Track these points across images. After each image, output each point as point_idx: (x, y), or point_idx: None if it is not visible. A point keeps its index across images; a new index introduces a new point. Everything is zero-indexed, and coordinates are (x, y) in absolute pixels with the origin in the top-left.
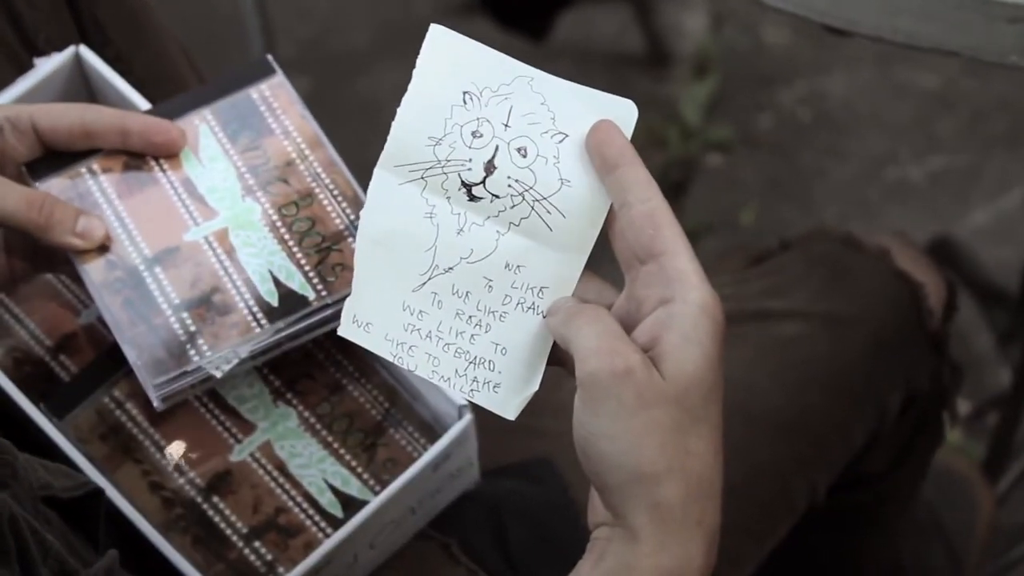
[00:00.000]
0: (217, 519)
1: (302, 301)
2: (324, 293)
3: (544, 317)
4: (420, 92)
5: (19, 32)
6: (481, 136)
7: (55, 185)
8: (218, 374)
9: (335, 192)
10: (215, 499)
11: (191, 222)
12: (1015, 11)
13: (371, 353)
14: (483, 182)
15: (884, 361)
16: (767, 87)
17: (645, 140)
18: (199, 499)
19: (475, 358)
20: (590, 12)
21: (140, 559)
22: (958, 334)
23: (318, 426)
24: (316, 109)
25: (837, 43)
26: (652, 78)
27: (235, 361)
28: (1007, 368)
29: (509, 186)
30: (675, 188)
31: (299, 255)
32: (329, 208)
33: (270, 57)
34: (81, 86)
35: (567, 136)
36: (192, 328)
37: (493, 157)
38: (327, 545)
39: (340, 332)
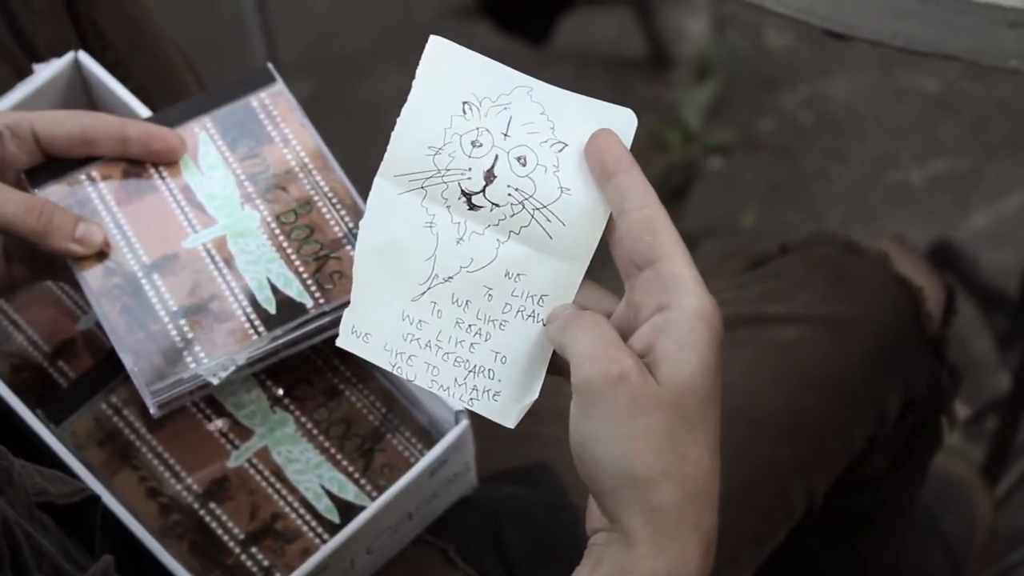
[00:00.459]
0: (214, 525)
1: (300, 309)
2: (322, 301)
3: (544, 325)
4: (420, 102)
5: (18, 37)
6: (481, 145)
7: (54, 192)
8: (215, 381)
9: (334, 200)
10: (212, 505)
11: (190, 229)
12: (1016, 15)
13: None
14: (483, 191)
15: (883, 365)
16: (768, 91)
17: (646, 144)
18: (196, 505)
19: (475, 367)
20: (591, 16)
21: (137, 565)
22: (958, 338)
23: (315, 432)
24: (317, 112)
25: (838, 47)
26: (653, 82)
27: (232, 368)
28: (1006, 372)
29: (509, 195)
30: (676, 192)
31: (297, 263)
32: (328, 216)
33: (270, 65)
34: (80, 92)
35: (567, 145)
36: (189, 335)
37: (493, 166)
38: (324, 551)
39: (339, 343)
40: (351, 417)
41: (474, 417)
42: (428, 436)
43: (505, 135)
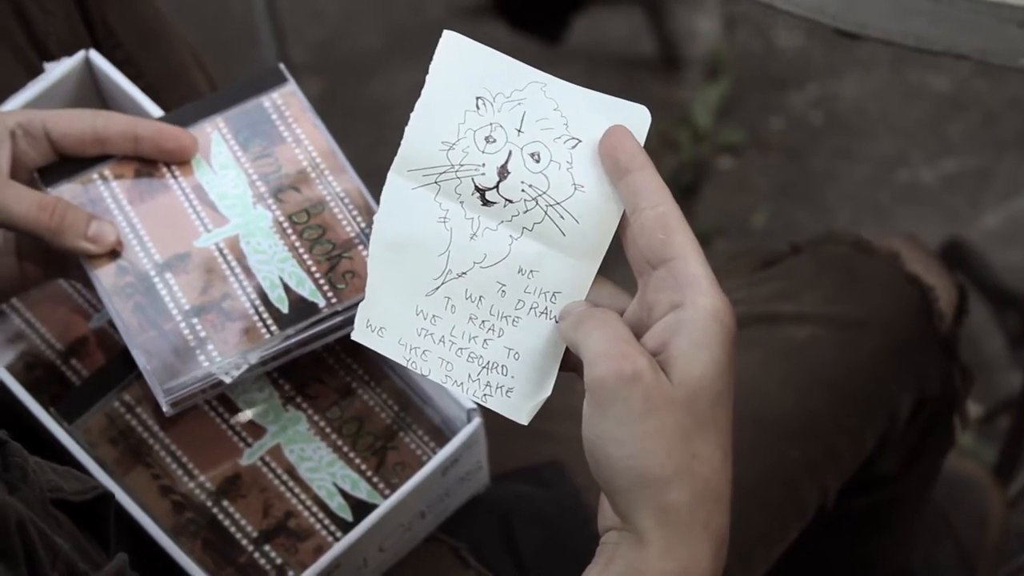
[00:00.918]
0: (227, 523)
1: (312, 308)
2: (334, 300)
3: (557, 322)
4: (433, 97)
5: (30, 35)
6: (494, 141)
7: (67, 191)
8: (227, 379)
9: (346, 200)
10: (225, 503)
11: (202, 228)
12: None
13: (381, 357)
14: (496, 187)
15: (894, 364)
16: (779, 90)
17: (657, 143)
18: (209, 503)
19: (488, 363)
20: (602, 15)
21: (151, 562)
22: (969, 337)
23: (328, 430)
24: (328, 111)
25: (849, 46)
26: (664, 81)
27: (244, 367)
28: (1018, 371)
29: (522, 191)
30: (686, 191)
31: (309, 262)
32: (340, 216)
33: (282, 66)
34: (91, 90)
35: (580, 141)
36: (202, 334)
37: (506, 162)
38: (337, 549)
39: (354, 336)
40: (364, 415)
41: (486, 415)
42: (440, 434)
43: (519, 131)
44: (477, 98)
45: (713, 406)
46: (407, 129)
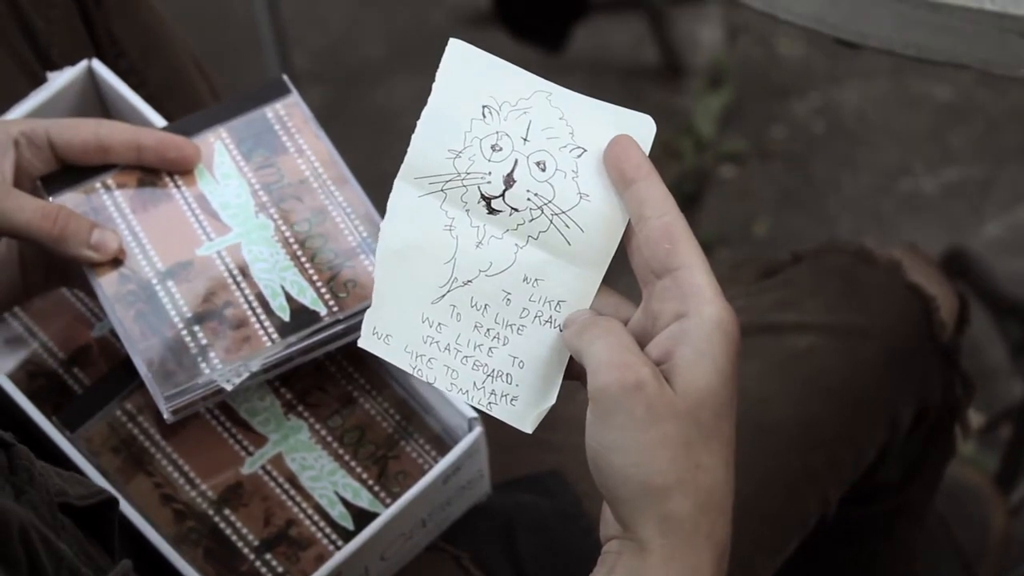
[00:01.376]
0: (228, 531)
1: (314, 316)
2: (336, 309)
3: (561, 331)
4: (440, 106)
5: (33, 45)
6: (500, 150)
7: (70, 199)
8: (228, 387)
9: (348, 209)
10: (227, 511)
11: (204, 237)
12: None
13: (383, 366)
14: (502, 195)
15: (895, 374)
16: (781, 99)
17: (659, 152)
18: (211, 512)
19: (493, 371)
20: (605, 23)
21: (152, 571)
22: (971, 346)
23: (329, 439)
24: (331, 120)
25: (851, 55)
26: (666, 90)
27: (246, 375)
28: (1020, 380)
29: (528, 199)
30: (689, 200)
31: (311, 271)
32: (342, 225)
33: (285, 77)
34: (94, 99)
35: (586, 151)
36: (204, 341)
37: (512, 171)
38: (338, 558)
39: (360, 344)
40: (365, 424)
41: (488, 424)
42: (442, 443)
43: (525, 139)
44: (483, 107)
45: (717, 416)
46: (413, 137)
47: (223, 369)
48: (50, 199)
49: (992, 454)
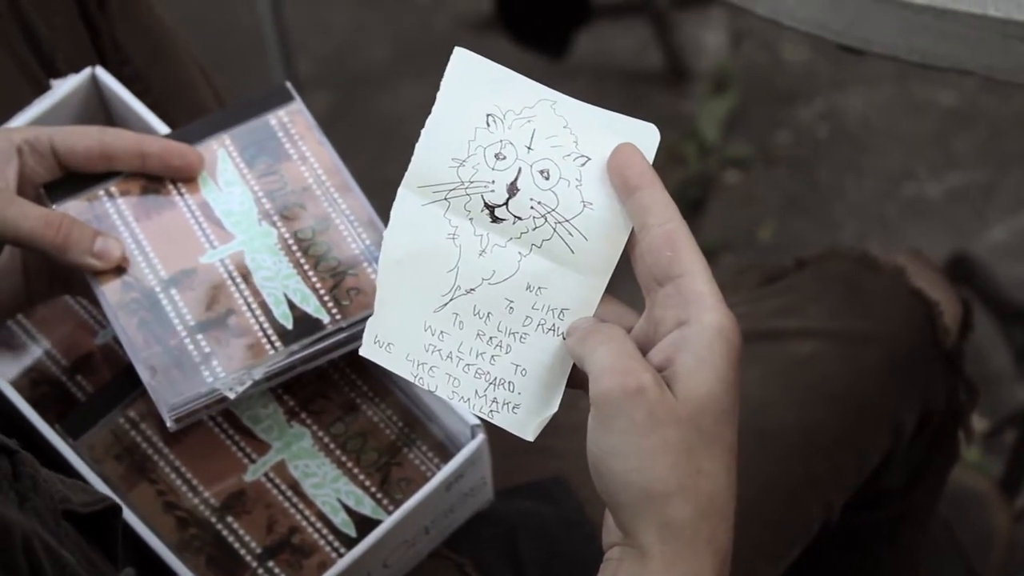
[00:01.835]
0: (231, 539)
1: (316, 324)
2: (339, 317)
3: (564, 338)
4: (444, 114)
5: (37, 52)
6: (504, 158)
7: (73, 207)
8: (231, 395)
9: (351, 217)
10: (229, 519)
11: (207, 245)
12: None
13: (386, 373)
14: (506, 204)
15: (899, 380)
16: (785, 104)
17: (663, 157)
18: (213, 519)
19: (495, 379)
20: (608, 29)
21: None
22: (975, 351)
23: (332, 446)
24: (335, 125)
25: (855, 60)
26: (671, 95)
27: (248, 383)
28: None
29: (532, 208)
30: (693, 205)
31: (314, 279)
32: (345, 233)
33: (289, 84)
34: (98, 107)
35: (589, 159)
36: (207, 349)
37: (516, 179)
38: (340, 565)
39: (362, 352)
40: (368, 431)
41: (490, 431)
42: (445, 450)
43: (529, 148)
44: (487, 115)
45: (718, 422)
46: (417, 145)
47: (226, 377)
48: (53, 207)
49: (997, 459)
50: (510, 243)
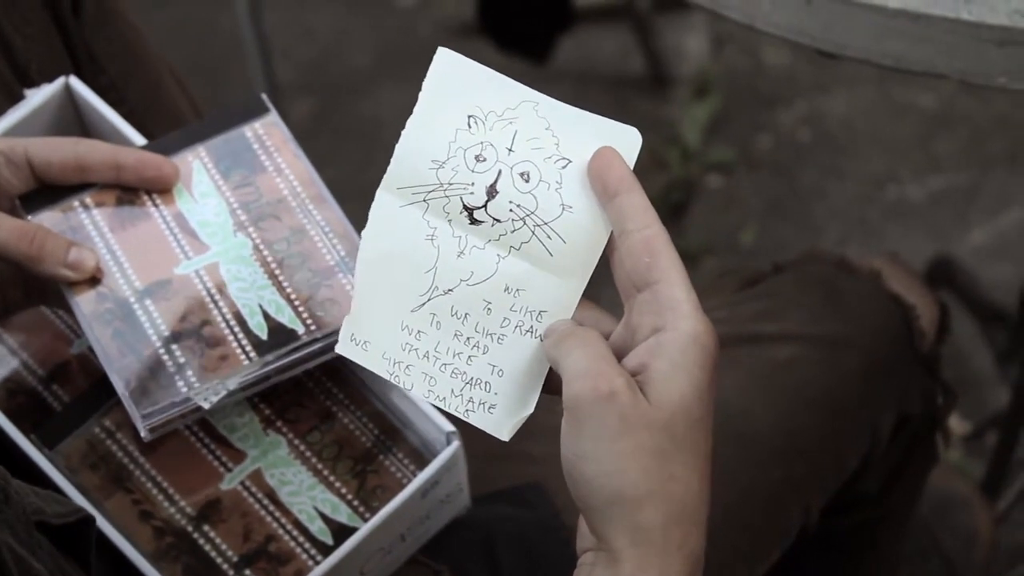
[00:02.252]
0: (208, 548)
1: (291, 335)
2: (313, 328)
3: (541, 340)
4: (425, 115)
5: (11, 62)
6: (484, 160)
7: (48, 218)
8: (206, 405)
9: (326, 229)
10: (206, 528)
11: (182, 256)
12: (1003, 34)
13: (362, 381)
14: (485, 206)
15: (876, 383)
16: (767, 108)
17: (646, 161)
18: (189, 528)
19: (472, 379)
20: (591, 34)
21: None
22: (957, 353)
23: (308, 454)
24: (317, 131)
25: (836, 64)
26: (653, 100)
27: (223, 393)
28: (1006, 387)
29: (511, 210)
30: (675, 209)
31: (289, 290)
32: (320, 244)
33: (264, 96)
34: (72, 117)
35: (570, 162)
36: (181, 360)
37: (496, 181)
38: (317, 572)
39: (338, 349)
40: (344, 439)
41: (467, 437)
42: (420, 457)
43: (509, 150)
44: (469, 116)
45: (691, 428)
46: (397, 146)
47: (200, 387)
48: (28, 218)
49: (978, 462)
50: (489, 245)
